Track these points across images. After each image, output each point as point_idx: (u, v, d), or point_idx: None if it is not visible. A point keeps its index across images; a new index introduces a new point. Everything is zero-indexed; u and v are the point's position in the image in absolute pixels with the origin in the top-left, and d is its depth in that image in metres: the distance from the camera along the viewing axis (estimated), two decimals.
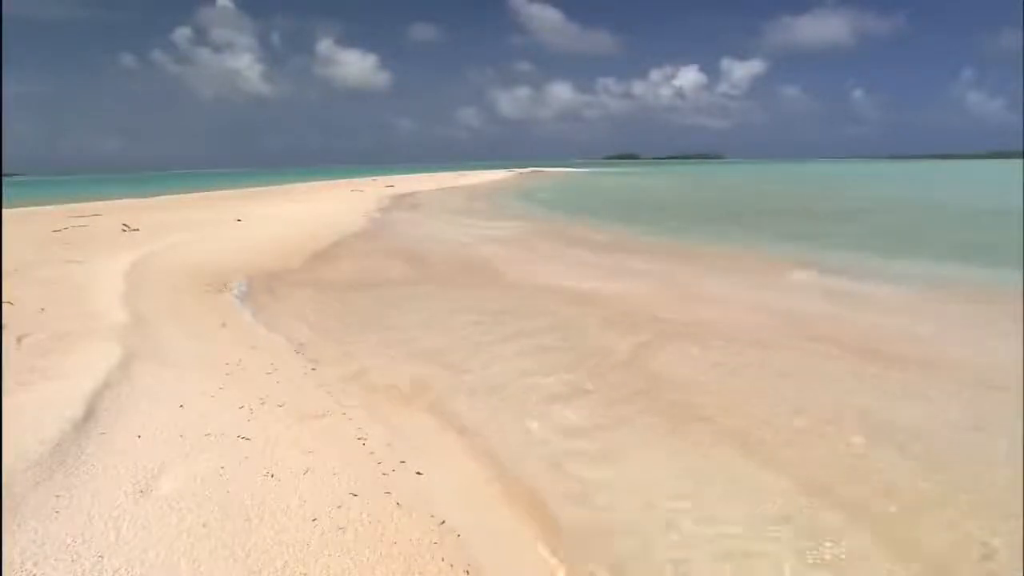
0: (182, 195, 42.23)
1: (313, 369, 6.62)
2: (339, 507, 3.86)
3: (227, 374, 6.31)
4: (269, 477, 4.19)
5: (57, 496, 3.88)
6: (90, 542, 3.42)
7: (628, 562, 3.53)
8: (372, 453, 4.67)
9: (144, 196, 40.32)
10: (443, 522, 3.81)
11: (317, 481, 4.17)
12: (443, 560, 3.44)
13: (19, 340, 7.04)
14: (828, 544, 3.63)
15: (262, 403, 5.54)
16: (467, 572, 3.40)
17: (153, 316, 8.67)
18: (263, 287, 11.11)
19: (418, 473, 4.40)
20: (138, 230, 18.78)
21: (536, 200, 36.90)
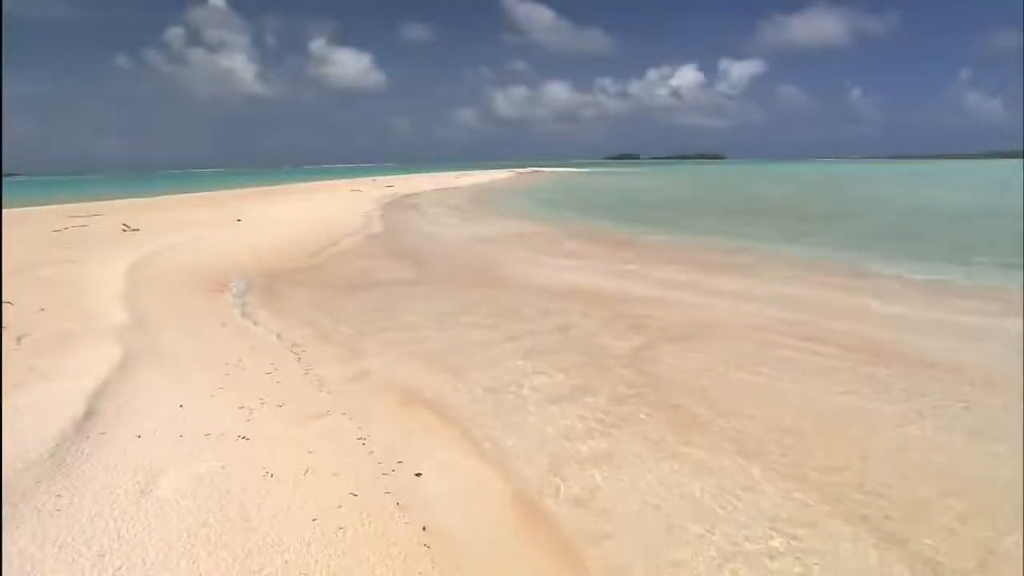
0: (181, 195, 42.24)
1: (313, 369, 6.62)
2: (339, 507, 3.87)
3: (227, 374, 6.31)
4: (269, 477, 4.20)
5: (57, 496, 3.88)
6: (90, 542, 3.42)
7: (629, 564, 3.53)
8: (372, 453, 4.68)
9: (143, 196, 40.33)
10: (443, 523, 3.81)
11: (317, 481, 4.18)
12: (442, 561, 3.45)
13: (19, 340, 7.05)
14: (828, 546, 3.63)
15: (262, 403, 5.55)
16: (466, 573, 3.41)
17: (153, 316, 8.68)
18: (263, 287, 11.11)
19: (417, 474, 4.41)
20: (138, 230, 18.79)
21: (537, 200, 36.90)
